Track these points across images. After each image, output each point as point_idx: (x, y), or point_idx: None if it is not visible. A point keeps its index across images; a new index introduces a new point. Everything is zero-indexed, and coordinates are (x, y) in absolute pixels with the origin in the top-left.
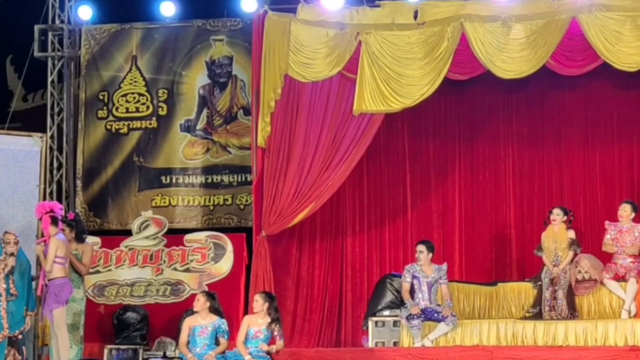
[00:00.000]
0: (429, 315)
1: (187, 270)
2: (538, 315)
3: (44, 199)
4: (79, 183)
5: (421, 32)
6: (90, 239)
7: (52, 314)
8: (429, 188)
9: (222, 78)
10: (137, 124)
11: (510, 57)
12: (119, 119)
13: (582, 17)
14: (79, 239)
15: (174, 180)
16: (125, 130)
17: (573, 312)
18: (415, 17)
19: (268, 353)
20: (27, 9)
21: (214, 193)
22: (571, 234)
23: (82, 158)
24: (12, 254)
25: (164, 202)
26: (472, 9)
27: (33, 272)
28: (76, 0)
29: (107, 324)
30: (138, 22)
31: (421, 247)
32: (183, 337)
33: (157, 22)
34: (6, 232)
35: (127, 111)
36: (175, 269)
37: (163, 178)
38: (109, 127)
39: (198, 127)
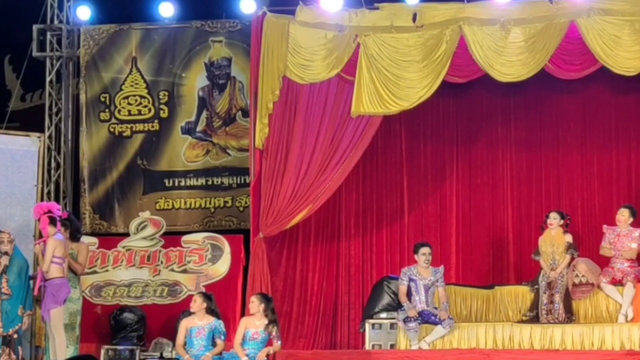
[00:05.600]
0: (426, 318)
1: (185, 271)
2: (535, 319)
3: (42, 199)
4: (83, 186)
5: (420, 35)
6: (88, 239)
7: (50, 314)
8: (427, 191)
9: (221, 79)
10: (139, 126)
11: (509, 61)
12: (122, 121)
13: (581, 21)
14: (74, 238)
15: (176, 183)
16: (128, 133)
17: (570, 316)
18: (414, 19)
19: (266, 356)
20: (25, 9)
21: (214, 195)
22: (568, 237)
23: (86, 160)
24: (5, 253)
25: (168, 205)
26: (470, 12)
27: (31, 272)
28: (75, 1)
29: (104, 324)
30: (137, 22)
31: (429, 250)
32: (180, 338)
33: (156, 23)
34: (0, 231)
35: (130, 114)
36: (172, 269)
37: (166, 181)
38: (112, 129)
39: (198, 129)
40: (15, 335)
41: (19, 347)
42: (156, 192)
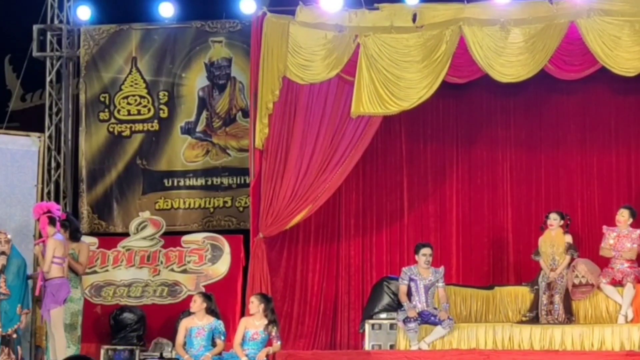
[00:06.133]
0: (426, 319)
1: (184, 271)
2: (535, 320)
3: (42, 199)
4: (82, 186)
5: (420, 35)
6: (88, 239)
7: (50, 314)
8: (427, 191)
9: (221, 80)
10: (139, 126)
11: (509, 61)
12: (121, 121)
13: (581, 22)
14: (74, 238)
15: (175, 183)
16: (127, 133)
17: (570, 316)
18: (414, 20)
19: (266, 356)
20: (25, 9)
21: (214, 195)
22: (568, 238)
23: (84, 160)
24: (3, 253)
25: (167, 205)
26: (470, 12)
27: (30, 271)
28: (75, 1)
29: (103, 324)
30: (137, 22)
31: (430, 251)
32: (179, 338)
33: (156, 23)
34: None
35: (129, 114)
36: (172, 270)
37: (166, 181)
38: (111, 129)
39: (198, 129)
40: (15, 335)
41: (18, 347)
42: (155, 192)
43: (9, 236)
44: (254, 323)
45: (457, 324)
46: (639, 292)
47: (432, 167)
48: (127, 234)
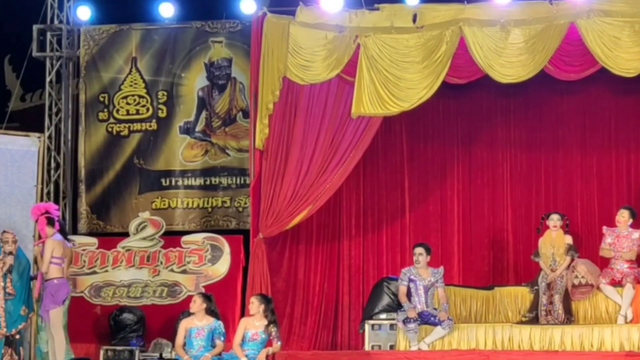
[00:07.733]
0: (426, 319)
1: (184, 271)
2: (534, 320)
3: (42, 199)
4: (81, 186)
5: (420, 36)
6: (86, 240)
7: (49, 315)
8: (427, 191)
9: (221, 80)
10: (137, 126)
11: (509, 62)
12: (120, 121)
13: (581, 23)
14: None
15: (173, 183)
16: (126, 132)
17: (569, 317)
18: (414, 20)
19: (266, 356)
20: (25, 9)
21: (213, 195)
22: (568, 239)
23: (84, 160)
24: (10, 253)
25: (164, 205)
26: (470, 13)
27: (32, 272)
28: (75, 1)
29: (103, 324)
30: (137, 23)
31: (420, 250)
32: (179, 338)
33: (156, 23)
34: (5, 231)
35: (128, 113)
36: (172, 270)
37: (163, 180)
38: (109, 129)
39: (197, 129)
40: (18, 336)
41: (21, 348)
42: (152, 192)
43: (16, 237)
44: (253, 324)
45: (457, 324)
46: (639, 292)
47: (433, 168)
48: (124, 234)
